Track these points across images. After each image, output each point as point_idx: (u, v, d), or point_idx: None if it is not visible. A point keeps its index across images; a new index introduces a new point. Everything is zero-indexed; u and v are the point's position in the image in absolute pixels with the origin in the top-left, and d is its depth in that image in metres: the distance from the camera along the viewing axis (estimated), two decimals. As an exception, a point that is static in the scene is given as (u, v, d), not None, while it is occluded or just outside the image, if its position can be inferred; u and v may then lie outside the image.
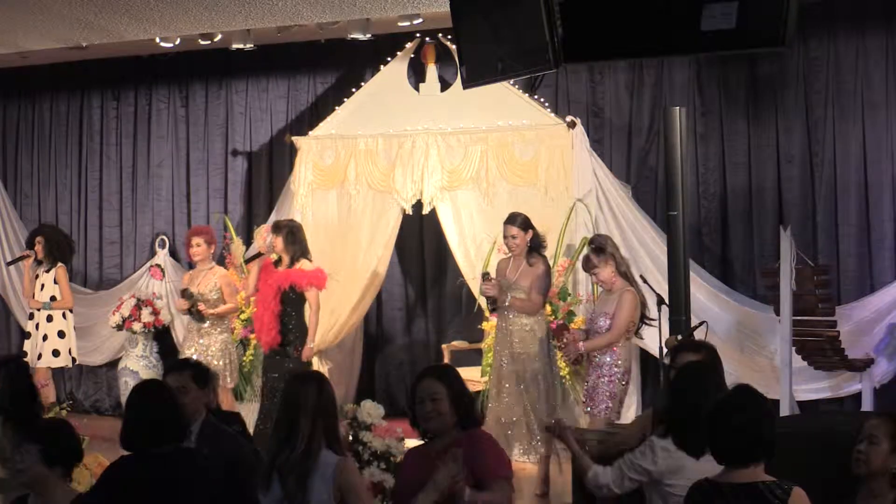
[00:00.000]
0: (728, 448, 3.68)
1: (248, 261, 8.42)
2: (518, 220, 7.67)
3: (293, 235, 8.19)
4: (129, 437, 4.27)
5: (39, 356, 9.47)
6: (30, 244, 9.88)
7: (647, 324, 7.28)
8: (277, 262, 8.21)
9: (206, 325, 8.61)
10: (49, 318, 9.57)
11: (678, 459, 4.22)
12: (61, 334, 9.59)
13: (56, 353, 9.53)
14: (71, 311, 9.71)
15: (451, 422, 4.20)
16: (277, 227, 8.28)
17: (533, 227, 7.69)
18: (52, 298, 9.55)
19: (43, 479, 4.05)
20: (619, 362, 7.04)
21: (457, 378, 4.37)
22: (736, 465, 3.67)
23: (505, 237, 7.77)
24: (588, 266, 7.22)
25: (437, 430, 4.23)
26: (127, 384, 9.59)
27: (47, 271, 9.62)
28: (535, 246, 7.69)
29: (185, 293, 8.66)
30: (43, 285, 9.59)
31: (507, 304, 7.61)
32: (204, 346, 8.66)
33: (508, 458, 4.37)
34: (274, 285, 8.11)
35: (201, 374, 4.86)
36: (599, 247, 7.12)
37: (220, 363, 8.62)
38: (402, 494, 4.31)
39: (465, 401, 4.29)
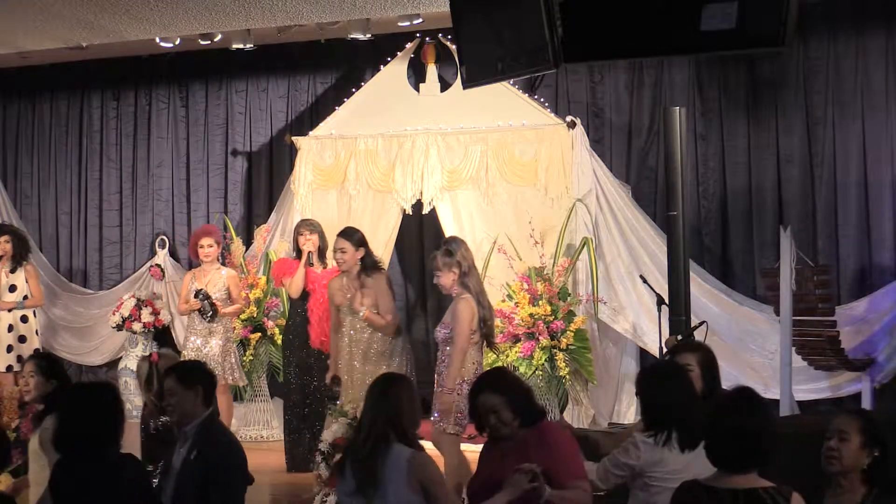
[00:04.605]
0: (725, 453, 3.54)
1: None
2: (353, 237, 7.31)
3: (324, 236, 8.30)
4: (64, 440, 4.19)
5: (20, 358, 9.09)
6: None
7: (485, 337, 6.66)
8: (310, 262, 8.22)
9: (214, 324, 8.57)
10: (24, 319, 9.51)
11: (658, 452, 4.31)
12: (37, 332, 9.59)
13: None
14: (41, 308, 9.74)
15: (517, 424, 4.31)
16: (313, 226, 8.33)
17: (366, 246, 7.34)
18: (25, 297, 9.53)
19: None
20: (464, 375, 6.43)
21: (510, 381, 4.46)
22: (732, 471, 3.53)
23: (334, 250, 7.38)
24: (433, 266, 6.73)
25: (508, 437, 4.34)
26: (127, 384, 9.55)
27: (12, 271, 9.54)
28: (369, 265, 7.29)
29: (199, 294, 8.54)
30: (13, 286, 9.50)
31: (360, 315, 7.19)
32: (205, 346, 8.63)
33: (581, 454, 4.42)
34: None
35: (184, 376, 4.66)
36: (449, 251, 6.64)
37: (223, 363, 8.59)
38: (472, 490, 4.44)
39: (524, 401, 4.38)
